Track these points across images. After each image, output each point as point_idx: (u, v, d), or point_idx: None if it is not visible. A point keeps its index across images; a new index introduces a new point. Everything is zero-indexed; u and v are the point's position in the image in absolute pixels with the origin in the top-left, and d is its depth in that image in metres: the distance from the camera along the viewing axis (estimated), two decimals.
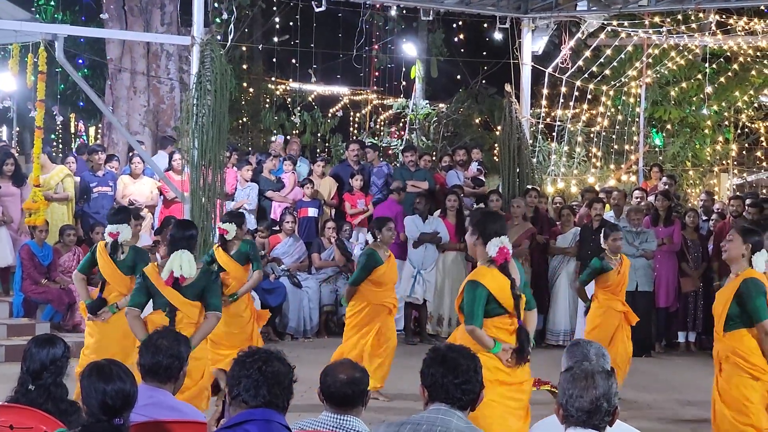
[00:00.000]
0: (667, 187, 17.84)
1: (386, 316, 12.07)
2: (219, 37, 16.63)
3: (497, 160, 19.33)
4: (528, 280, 15.88)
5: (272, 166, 18.09)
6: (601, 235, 12.49)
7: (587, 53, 21.94)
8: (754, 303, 8.42)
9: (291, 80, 26.96)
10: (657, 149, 24.46)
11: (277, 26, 24.43)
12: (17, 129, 21.89)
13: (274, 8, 23.62)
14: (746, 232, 8.75)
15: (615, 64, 22.55)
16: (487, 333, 7.98)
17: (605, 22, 21.19)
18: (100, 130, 23.65)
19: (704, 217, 17.40)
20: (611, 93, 22.60)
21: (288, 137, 22.04)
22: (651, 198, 17.73)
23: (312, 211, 17.72)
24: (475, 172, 18.73)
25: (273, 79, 26.97)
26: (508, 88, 18.18)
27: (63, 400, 5.94)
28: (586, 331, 12.33)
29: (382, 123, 27.40)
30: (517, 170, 17.90)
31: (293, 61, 25.78)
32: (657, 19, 21.65)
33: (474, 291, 7.95)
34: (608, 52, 22.30)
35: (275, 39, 24.83)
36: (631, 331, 15.68)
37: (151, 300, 9.23)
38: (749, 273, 8.54)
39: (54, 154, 19.40)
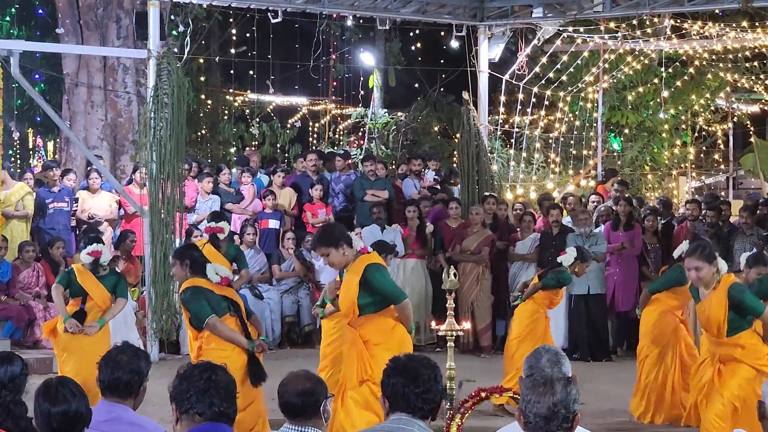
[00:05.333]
0: (618, 193, 17.93)
1: None
2: (175, 50, 16.55)
3: (457, 167, 19.36)
4: (488, 287, 16.08)
5: (226, 180, 18.04)
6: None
7: (544, 60, 21.99)
8: (748, 302, 9.01)
9: (249, 91, 26.92)
10: (615, 154, 24.55)
11: (234, 38, 24.38)
12: None
13: (231, 20, 23.57)
14: (706, 255, 9.05)
15: (572, 69, 22.61)
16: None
17: (561, 29, 21.29)
18: (57, 145, 23.51)
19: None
20: (568, 99, 22.67)
21: (248, 151, 21.94)
22: (608, 202, 17.83)
23: (273, 223, 17.67)
24: (431, 182, 18.77)
25: (231, 90, 26.90)
26: (465, 95, 18.23)
27: (23, 418, 5.89)
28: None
29: (341, 133, 27.40)
30: (476, 177, 17.97)
31: (251, 72, 25.78)
32: (612, 25, 21.75)
33: (199, 295, 9.37)
34: (564, 58, 22.35)
35: (232, 51, 24.77)
36: (589, 336, 15.92)
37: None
38: (726, 280, 9.07)
39: (13, 170, 19.26)
